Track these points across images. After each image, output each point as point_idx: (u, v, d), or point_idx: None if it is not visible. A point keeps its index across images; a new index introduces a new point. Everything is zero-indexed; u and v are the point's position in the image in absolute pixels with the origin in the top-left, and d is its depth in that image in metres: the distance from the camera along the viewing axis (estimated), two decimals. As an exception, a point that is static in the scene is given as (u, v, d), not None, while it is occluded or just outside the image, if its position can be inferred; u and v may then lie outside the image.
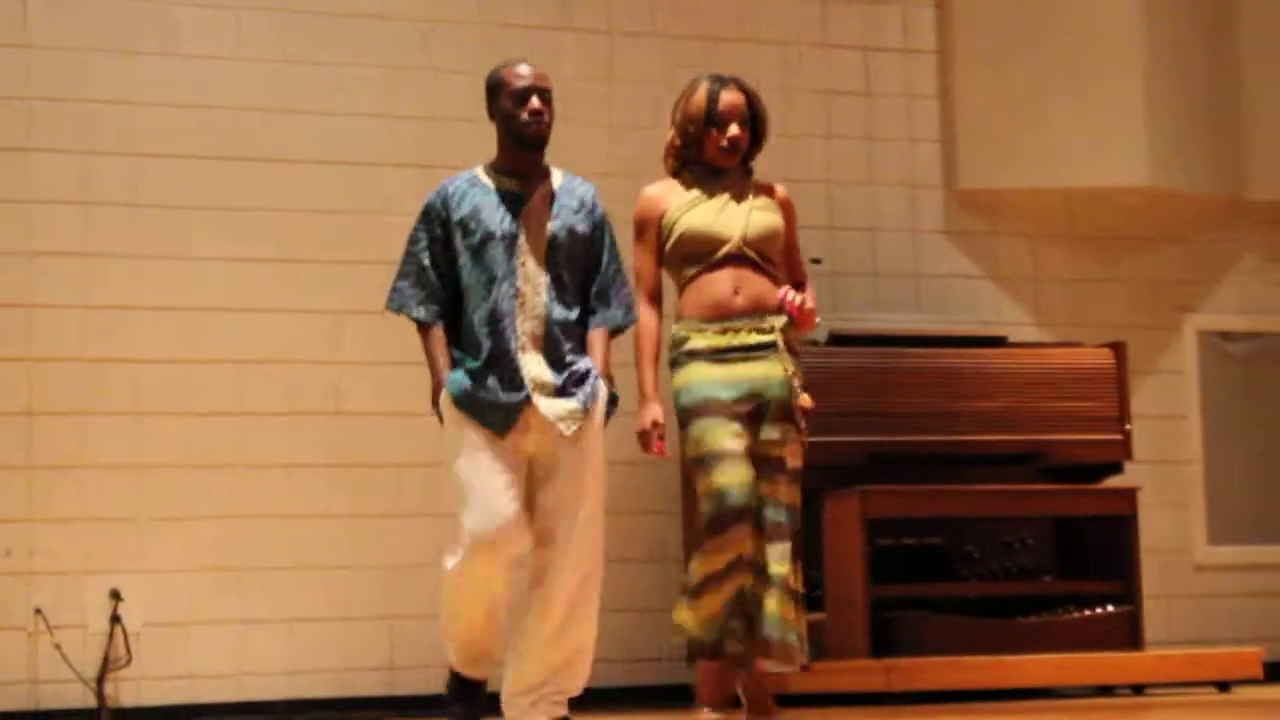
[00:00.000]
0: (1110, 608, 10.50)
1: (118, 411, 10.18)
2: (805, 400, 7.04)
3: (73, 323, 10.16)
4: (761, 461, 6.98)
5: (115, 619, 9.97)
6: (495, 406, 6.75)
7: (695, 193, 7.11)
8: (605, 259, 7.07)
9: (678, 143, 7.20)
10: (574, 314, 6.97)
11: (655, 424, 6.97)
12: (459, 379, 6.86)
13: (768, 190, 7.23)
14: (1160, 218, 12.21)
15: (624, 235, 7.48)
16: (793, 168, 11.23)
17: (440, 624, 7.19)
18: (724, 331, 6.99)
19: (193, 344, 10.35)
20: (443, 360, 7.01)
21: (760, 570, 6.96)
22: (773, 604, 6.95)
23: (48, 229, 10.19)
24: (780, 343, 7.02)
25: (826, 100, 11.79)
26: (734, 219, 7.04)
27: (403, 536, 10.60)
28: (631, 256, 7.19)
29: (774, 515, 6.95)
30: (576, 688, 7.07)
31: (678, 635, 7.15)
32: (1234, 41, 12.27)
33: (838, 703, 9.91)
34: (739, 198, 7.11)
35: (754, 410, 6.98)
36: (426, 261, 6.98)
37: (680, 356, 7.06)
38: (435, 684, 10.18)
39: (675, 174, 7.24)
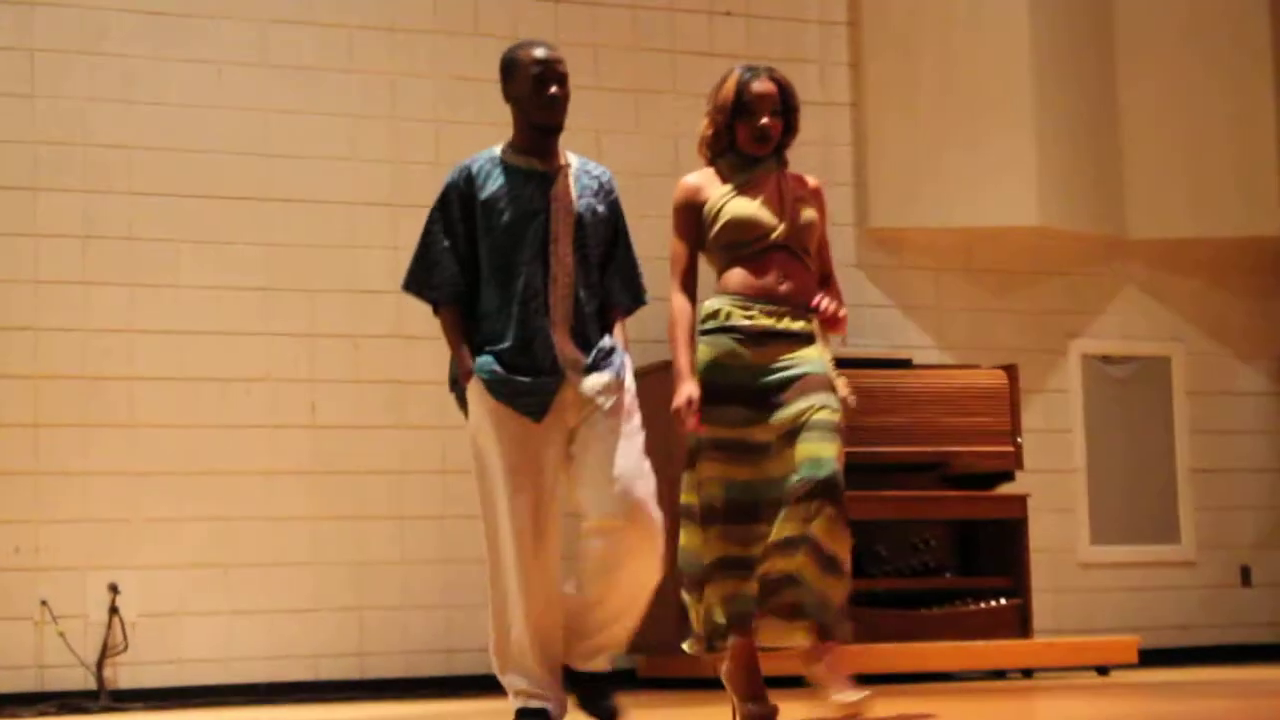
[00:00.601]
0: (1003, 600, 10.58)
1: (115, 424, 10.21)
2: (843, 386, 6.45)
3: (74, 344, 10.17)
4: (805, 427, 6.25)
5: (113, 610, 10.02)
6: (531, 391, 6.26)
7: (735, 182, 6.59)
8: (621, 241, 6.66)
9: (709, 133, 6.70)
10: (596, 294, 6.52)
11: (690, 401, 6.34)
12: (490, 364, 6.32)
13: (801, 181, 6.72)
14: (1049, 254, 12.33)
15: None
16: None
17: (492, 638, 6.45)
18: (768, 314, 6.43)
19: (182, 363, 10.37)
20: (463, 341, 6.46)
21: (791, 540, 6.23)
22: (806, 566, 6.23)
23: (52, 260, 10.21)
24: (808, 334, 6.46)
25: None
26: (777, 209, 6.52)
27: (370, 537, 10.66)
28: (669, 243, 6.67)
29: (813, 471, 6.19)
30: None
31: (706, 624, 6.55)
32: (1114, 97, 12.37)
33: (769, 686, 10.08)
34: (779, 188, 6.59)
35: (788, 389, 6.33)
36: (445, 243, 6.48)
37: (716, 330, 6.48)
38: (401, 668, 10.53)
39: (711, 164, 6.72)
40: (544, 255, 6.37)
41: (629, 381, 6.46)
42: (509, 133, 10.92)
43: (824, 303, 6.49)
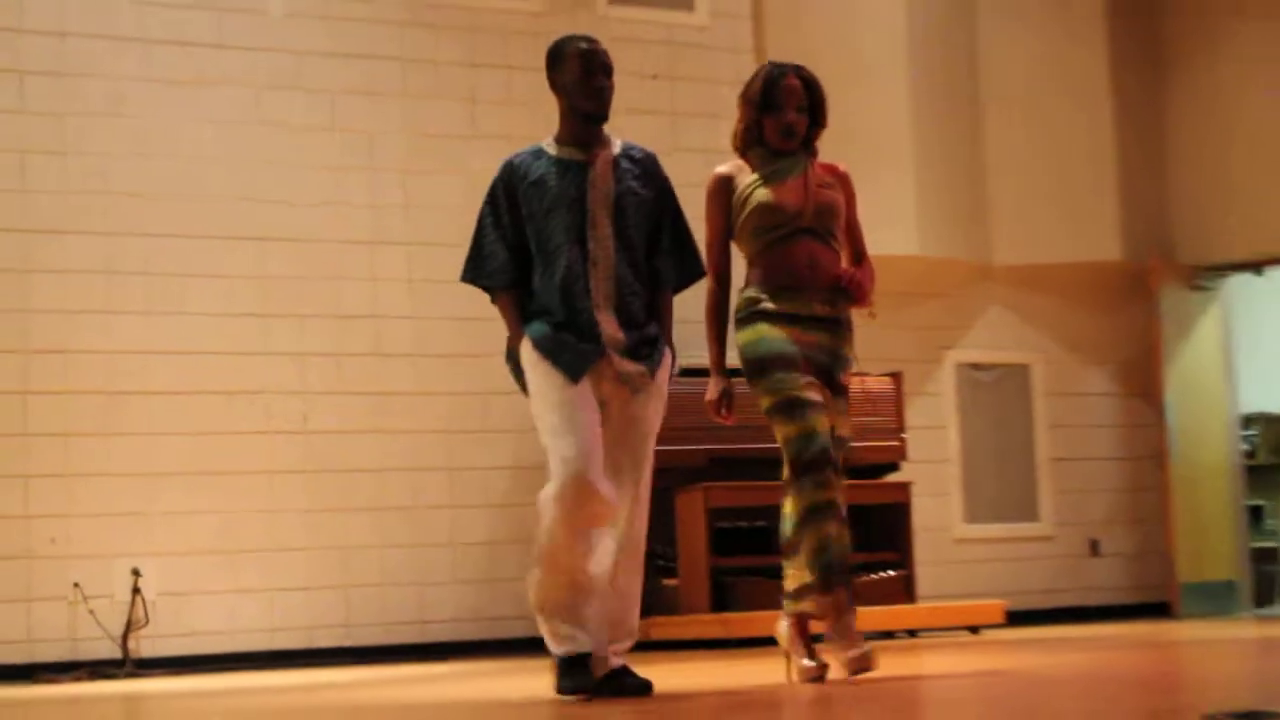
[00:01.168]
0: (891, 572, 10.62)
1: (134, 432, 10.20)
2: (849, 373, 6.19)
3: (99, 364, 10.16)
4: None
5: (135, 590, 10.01)
6: (572, 351, 5.82)
7: (763, 172, 6.19)
8: (671, 219, 6.15)
9: (739, 127, 6.32)
10: (641, 274, 6.02)
11: (724, 394, 6.19)
12: (539, 326, 5.92)
13: (829, 169, 6.33)
14: (927, 278, 12.22)
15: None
16: None
17: (537, 582, 5.94)
18: (795, 300, 6.07)
19: (192, 380, 10.36)
20: (518, 319, 6.05)
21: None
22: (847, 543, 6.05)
23: (80, 293, 10.18)
24: (843, 318, 6.19)
25: (681, 192, 11.65)
26: (801, 195, 6.12)
27: (356, 526, 10.69)
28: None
29: (842, 449, 6.08)
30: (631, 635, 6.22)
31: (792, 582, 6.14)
32: (982, 142, 12.41)
33: (686, 648, 10.00)
34: (804, 176, 6.17)
35: (820, 373, 6.05)
36: (494, 235, 6.09)
37: (750, 315, 6.16)
38: (382, 637, 10.55)
39: (742, 156, 6.33)
40: (582, 240, 5.91)
41: (663, 378, 6.05)
42: (472, 180, 11.16)
43: (850, 275, 6.16)
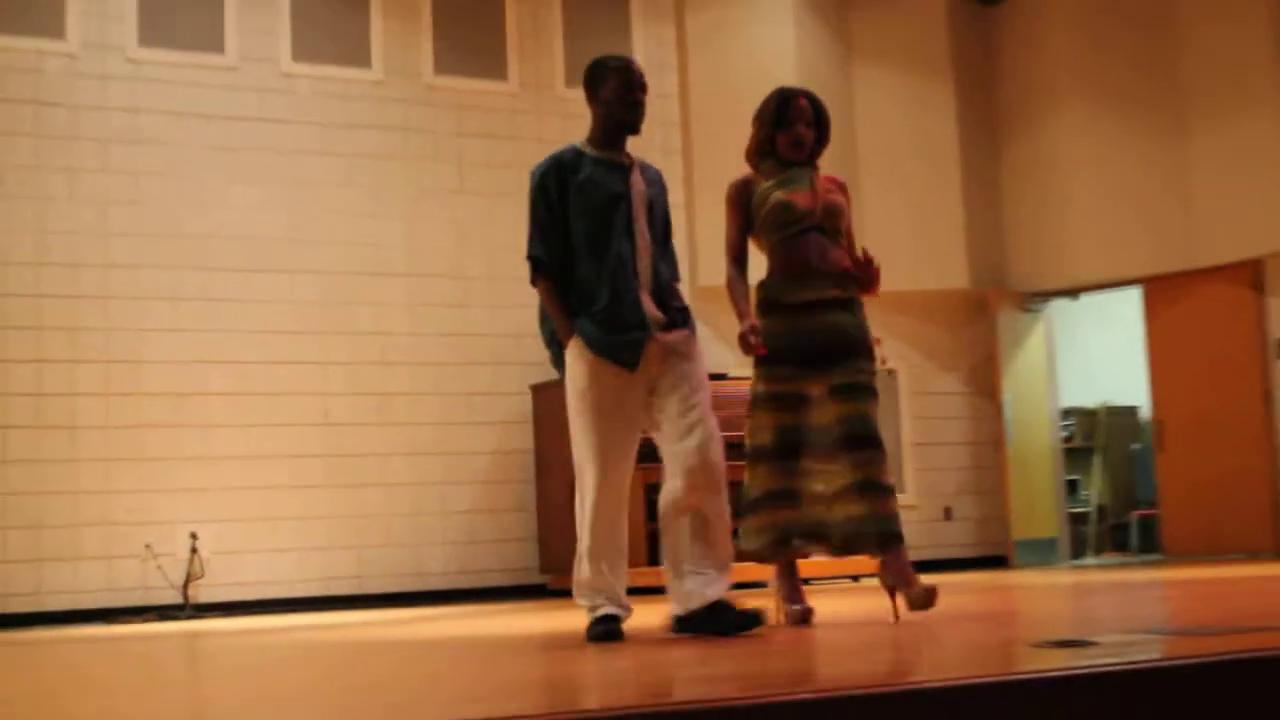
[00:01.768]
0: None
1: (194, 425, 10.21)
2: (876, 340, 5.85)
3: (167, 371, 10.17)
4: (847, 388, 5.61)
5: (194, 550, 10.05)
6: (627, 345, 5.32)
7: (776, 179, 5.83)
8: (668, 228, 5.72)
9: (753, 143, 5.94)
10: (665, 265, 5.58)
11: (753, 327, 5.57)
12: (589, 327, 5.38)
13: (831, 179, 5.98)
14: None
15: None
16: None
17: (582, 569, 5.42)
18: (811, 287, 5.67)
19: (238, 384, 10.38)
20: (565, 308, 5.49)
21: (851, 486, 5.58)
22: (861, 503, 5.57)
23: (153, 314, 10.18)
24: (856, 299, 5.79)
25: None
26: (811, 198, 5.77)
27: (367, 499, 10.68)
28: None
29: (861, 429, 5.60)
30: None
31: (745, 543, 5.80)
32: (859, 193, 12.15)
33: (630, 593, 10.11)
34: (812, 182, 5.82)
35: (832, 351, 5.63)
36: (548, 221, 5.48)
37: (771, 304, 5.77)
38: (388, 586, 10.59)
39: (755, 168, 5.96)
40: (629, 232, 5.46)
41: (697, 337, 5.60)
42: (460, 227, 11.22)
43: (873, 262, 5.76)
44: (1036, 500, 12.99)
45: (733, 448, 10.75)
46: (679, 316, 5.51)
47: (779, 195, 5.81)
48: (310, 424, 10.67)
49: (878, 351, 5.89)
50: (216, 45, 10.70)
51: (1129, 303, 13.23)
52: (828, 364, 5.66)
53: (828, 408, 5.65)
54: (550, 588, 10.93)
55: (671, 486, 5.40)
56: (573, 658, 4.67)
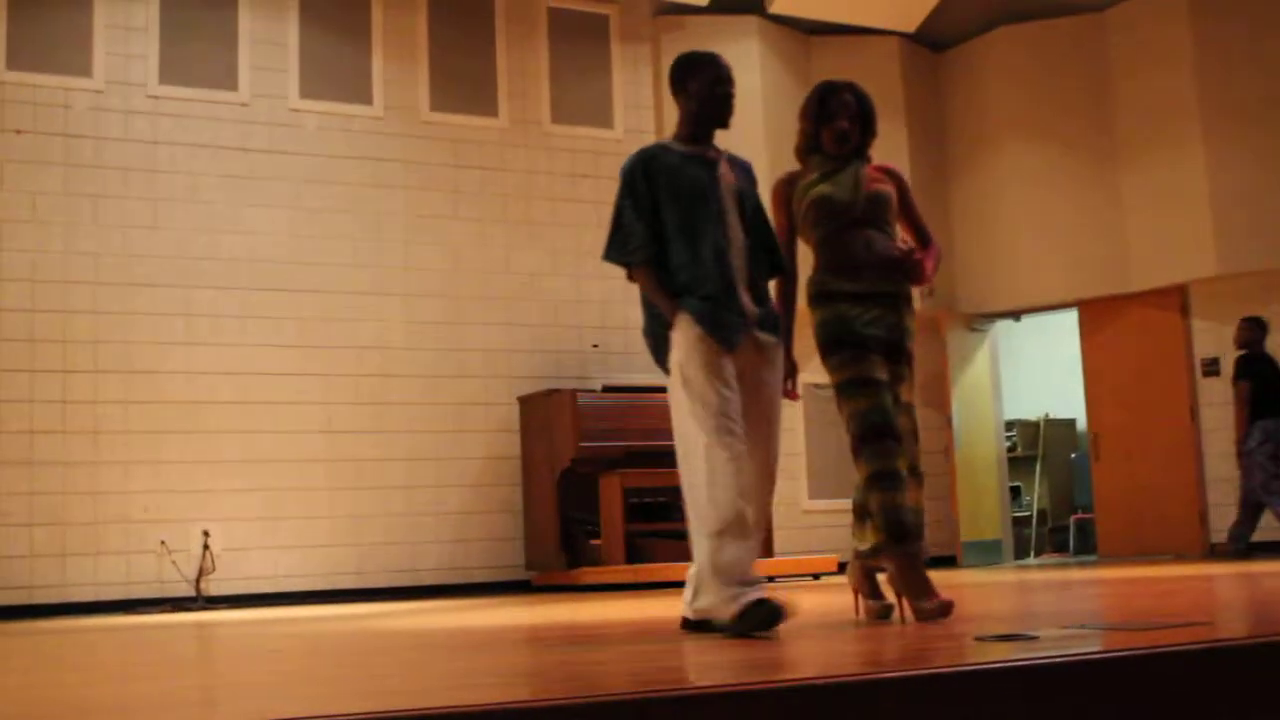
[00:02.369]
0: None
1: (207, 431, 10.21)
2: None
3: (181, 382, 10.16)
4: (897, 379, 5.06)
5: (206, 547, 10.06)
6: (731, 326, 4.80)
7: (820, 172, 5.26)
8: (762, 219, 5.13)
9: (800, 139, 5.37)
10: (754, 261, 5.02)
11: (790, 372, 5.12)
12: (698, 304, 4.84)
13: (881, 168, 5.36)
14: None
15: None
16: (589, 290, 11.62)
17: (719, 553, 4.63)
18: (858, 280, 5.09)
19: (249, 393, 10.38)
20: (667, 291, 4.92)
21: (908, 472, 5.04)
22: (917, 498, 5.13)
23: (170, 330, 10.19)
24: (903, 293, 5.19)
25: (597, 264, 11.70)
26: (852, 191, 5.16)
27: (366, 501, 10.67)
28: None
29: (911, 420, 5.09)
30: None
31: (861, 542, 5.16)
32: None
33: (607, 590, 9.97)
34: (856, 176, 5.21)
35: (888, 348, 5.06)
36: (632, 215, 4.98)
37: (824, 294, 5.10)
38: (384, 581, 10.56)
39: (802, 162, 5.38)
40: (720, 224, 4.97)
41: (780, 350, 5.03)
42: (455, 250, 11.20)
43: (917, 255, 5.21)
44: (982, 505, 13.00)
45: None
46: (769, 319, 4.99)
47: (817, 191, 5.25)
48: (313, 431, 10.64)
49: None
50: (230, 83, 10.70)
51: (1067, 324, 13.27)
52: (886, 356, 5.08)
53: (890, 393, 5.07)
54: (534, 583, 10.93)
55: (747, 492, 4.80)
56: (591, 653, 4.64)
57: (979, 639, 3.92)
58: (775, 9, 12.33)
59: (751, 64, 12.15)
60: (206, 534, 10.14)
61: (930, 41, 13.29)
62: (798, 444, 12.49)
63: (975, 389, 13.10)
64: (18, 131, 10.01)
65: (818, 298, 5.14)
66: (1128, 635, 3.86)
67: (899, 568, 5.07)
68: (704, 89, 5.11)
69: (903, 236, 5.35)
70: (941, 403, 12.91)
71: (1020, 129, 12.83)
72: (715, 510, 4.64)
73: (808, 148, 5.38)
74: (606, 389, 10.95)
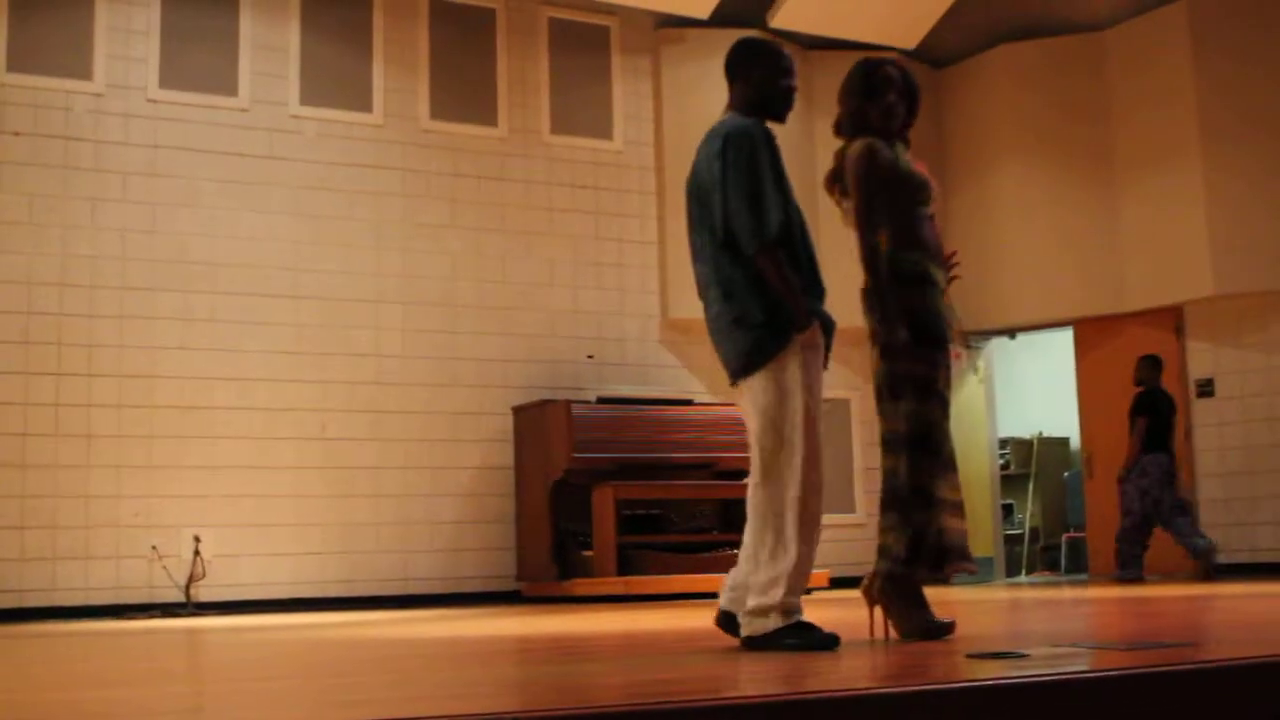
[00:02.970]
0: None
1: (200, 436, 10.17)
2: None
3: (176, 386, 10.12)
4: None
5: (196, 552, 10.01)
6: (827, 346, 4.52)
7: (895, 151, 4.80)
8: None
9: (842, 116, 4.90)
10: None
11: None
12: (820, 310, 4.52)
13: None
14: None
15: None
16: (586, 301, 11.67)
17: (791, 561, 4.43)
18: (939, 271, 4.76)
19: (244, 399, 10.34)
20: (797, 284, 4.45)
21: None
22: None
23: (165, 334, 10.14)
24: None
25: (599, 270, 11.72)
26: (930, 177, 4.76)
27: (359, 509, 10.65)
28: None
29: None
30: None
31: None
32: (818, 236, 12.59)
33: (599, 601, 9.95)
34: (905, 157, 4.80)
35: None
36: (773, 187, 4.44)
37: (918, 277, 4.69)
38: (375, 589, 10.53)
39: (848, 141, 4.89)
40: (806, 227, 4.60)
41: None
42: (453, 258, 11.18)
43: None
44: (975, 522, 12.97)
45: (697, 469, 10.85)
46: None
47: (915, 169, 4.82)
48: (308, 438, 10.61)
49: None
50: (230, 89, 10.69)
51: (1062, 342, 13.27)
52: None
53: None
54: (525, 594, 10.91)
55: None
56: (591, 665, 4.62)
57: (970, 656, 3.91)
58: (776, 23, 12.36)
59: (751, 78, 12.12)
60: (198, 539, 10.08)
61: (930, 58, 13.30)
62: (792, 458, 12.38)
63: (969, 406, 13.09)
64: (15, 134, 9.98)
65: (916, 279, 4.69)
66: (1117, 655, 3.85)
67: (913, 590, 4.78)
68: (769, 79, 4.67)
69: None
70: (936, 419, 12.87)
71: (1018, 146, 12.84)
72: (804, 543, 4.44)
73: (854, 126, 4.92)
74: (601, 400, 10.96)
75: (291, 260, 10.74)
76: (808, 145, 12.60)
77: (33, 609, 9.59)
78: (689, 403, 11.16)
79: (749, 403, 4.54)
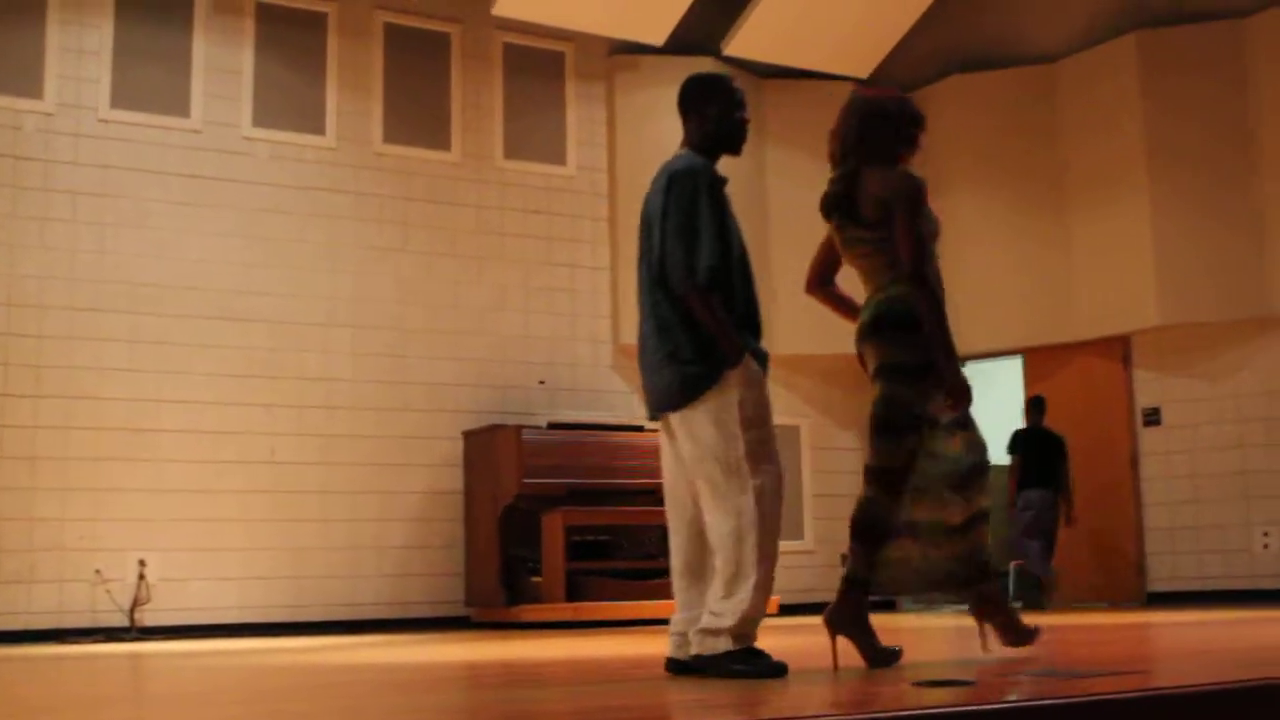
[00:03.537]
0: None
1: (147, 459, 10.07)
2: None
3: (123, 409, 10.02)
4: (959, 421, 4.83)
5: (141, 576, 9.91)
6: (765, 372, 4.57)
7: None
8: None
9: (886, 145, 4.90)
10: None
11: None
12: (755, 345, 4.58)
13: None
14: None
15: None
16: (537, 326, 11.64)
17: (749, 588, 4.46)
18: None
19: (191, 422, 10.24)
20: (731, 323, 4.51)
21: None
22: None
23: (110, 355, 10.05)
24: None
25: (551, 295, 11.70)
26: None
27: (307, 533, 10.58)
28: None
29: None
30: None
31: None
32: (769, 265, 12.29)
33: (547, 628, 9.94)
34: None
35: None
36: (710, 224, 4.51)
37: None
38: (322, 615, 10.45)
39: (869, 171, 4.88)
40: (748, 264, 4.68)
41: None
42: (403, 283, 11.15)
43: None
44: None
45: (647, 494, 10.82)
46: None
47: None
48: (257, 461, 10.54)
49: None
50: (183, 110, 10.63)
51: (1011, 371, 13.32)
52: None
53: (954, 437, 4.80)
54: (474, 620, 10.86)
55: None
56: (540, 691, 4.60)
57: (917, 684, 3.91)
58: (730, 51, 12.41)
59: (705, 105, 12.18)
60: (143, 563, 9.98)
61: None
62: (742, 485, 12.38)
63: (919, 434, 13.13)
64: (-38, 152, 9.92)
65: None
66: (1064, 683, 3.86)
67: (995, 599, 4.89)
68: (724, 114, 4.72)
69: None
70: (886, 447, 12.92)
71: (970, 176, 12.92)
72: (758, 567, 4.46)
73: (872, 155, 4.89)
74: (552, 425, 10.94)
75: (242, 283, 10.67)
76: (759, 175, 12.69)
77: (-27, 633, 9.49)
78: (640, 429, 11.11)
79: (685, 437, 4.58)
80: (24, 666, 6.62)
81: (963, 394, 4.73)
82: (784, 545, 12.88)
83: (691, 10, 12.09)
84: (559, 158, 12.06)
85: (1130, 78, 12.12)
